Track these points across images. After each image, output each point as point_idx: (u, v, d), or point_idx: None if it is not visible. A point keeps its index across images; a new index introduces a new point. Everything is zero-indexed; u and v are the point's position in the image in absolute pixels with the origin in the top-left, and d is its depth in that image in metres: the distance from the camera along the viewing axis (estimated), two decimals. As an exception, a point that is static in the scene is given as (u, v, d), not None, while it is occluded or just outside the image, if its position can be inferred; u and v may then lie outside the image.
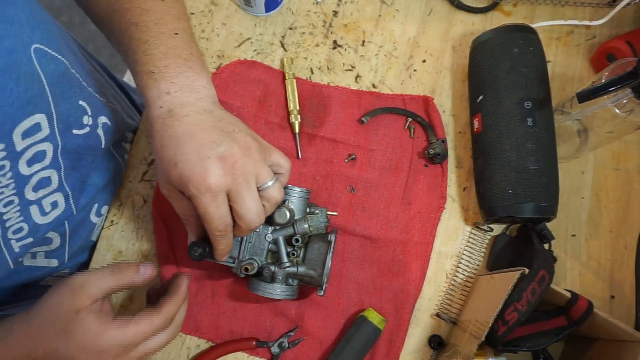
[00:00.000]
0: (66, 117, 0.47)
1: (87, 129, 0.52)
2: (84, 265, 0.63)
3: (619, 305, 0.60)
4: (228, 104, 0.65)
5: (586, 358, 0.56)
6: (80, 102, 0.50)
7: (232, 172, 0.43)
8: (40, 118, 0.43)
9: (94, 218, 0.61)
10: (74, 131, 0.50)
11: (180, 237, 0.61)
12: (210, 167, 0.43)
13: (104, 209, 0.62)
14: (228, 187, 0.44)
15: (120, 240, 0.62)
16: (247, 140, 0.46)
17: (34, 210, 0.47)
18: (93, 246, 0.63)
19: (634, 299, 0.57)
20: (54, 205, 0.50)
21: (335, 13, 0.69)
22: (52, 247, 0.55)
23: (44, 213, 0.49)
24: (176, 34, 0.48)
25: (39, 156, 0.45)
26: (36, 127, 0.43)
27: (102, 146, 0.56)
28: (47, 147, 0.45)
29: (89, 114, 0.52)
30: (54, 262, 0.57)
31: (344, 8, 0.70)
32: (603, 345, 0.54)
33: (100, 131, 0.55)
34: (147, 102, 0.46)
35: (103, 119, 0.57)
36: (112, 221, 0.63)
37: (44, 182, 0.47)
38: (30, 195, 0.46)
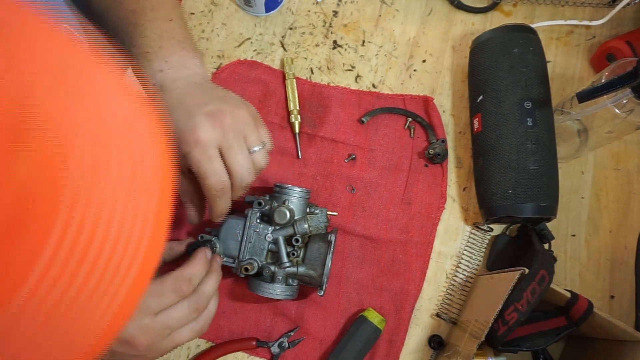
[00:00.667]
0: None
1: None
2: None
3: (619, 305, 0.60)
4: (228, 104, 0.65)
5: (586, 358, 0.56)
6: None
7: (221, 126, 0.44)
8: None
9: None
10: None
11: (180, 237, 0.61)
12: (199, 122, 0.43)
13: None
14: (219, 141, 0.44)
15: (120, 240, 0.62)
16: (239, 104, 0.47)
17: None
18: None
19: (634, 299, 0.57)
20: None
21: (335, 13, 0.69)
22: None
23: None
24: (171, 19, 0.50)
25: None
26: None
27: None
28: None
29: None
30: None
31: (344, 8, 0.70)
32: (603, 345, 0.54)
33: None
34: (143, 84, 0.47)
35: None
36: (112, 221, 0.63)
37: None
38: None
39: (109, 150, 0.19)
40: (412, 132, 0.64)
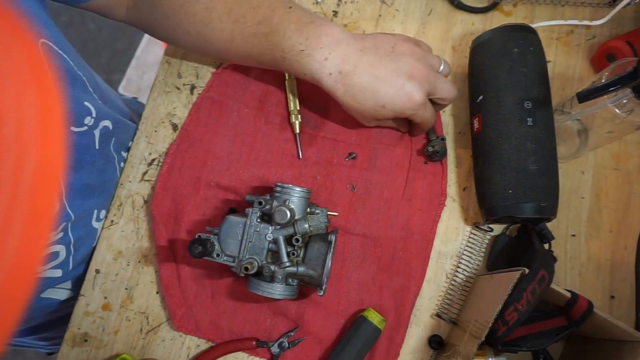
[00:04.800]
0: (70, 114, 0.47)
1: (85, 128, 0.52)
2: (84, 274, 0.63)
3: (619, 305, 0.60)
4: (228, 104, 0.65)
5: (586, 358, 0.56)
6: (86, 104, 0.51)
7: (422, 78, 0.51)
8: None
9: (94, 224, 0.60)
10: (72, 127, 0.50)
11: (180, 237, 0.61)
12: (410, 90, 0.50)
13: (102, 214, 0.62)
14: (427, 90, 0.52)
15: (120, 240, 0.62)
16: (408, 46, 0.53)
17: None
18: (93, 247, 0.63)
19: (634, 299, 0.57)
20: None
21: (335, 13, 0.69)
22: (58, 261, 0.55)
23: None
24: (290, 7, 0.51)
25: None
26: None
27: (96, 147, 0.56)
28: None
29: (93, 115, 0.52)
30: (58, 272, 0.56)
31: (344, 8, 0.70)
32: (603, 345, 0.54)
33: (97, 132, 0.55)
34: (315, 78, 0.50)
35: (105, 123, 0.57)
36: (112, 221, 0.63)
37: None
38: None
39: None
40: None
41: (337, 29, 0.51)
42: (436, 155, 0.62)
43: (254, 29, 0.51)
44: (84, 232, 0.57)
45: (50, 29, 0.43)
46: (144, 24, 0.58)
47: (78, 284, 0.62)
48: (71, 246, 0.56)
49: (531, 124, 0.55)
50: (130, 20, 0.58)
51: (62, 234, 0.52)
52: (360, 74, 0.50)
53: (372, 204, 0.62)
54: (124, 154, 0.66)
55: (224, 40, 0.53)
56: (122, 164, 0.65)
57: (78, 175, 0.53)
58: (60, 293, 0.62)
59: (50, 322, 0.72)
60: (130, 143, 0.67)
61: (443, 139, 0.63)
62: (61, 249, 0.54)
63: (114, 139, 0.62)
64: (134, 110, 0.81)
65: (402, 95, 0.50)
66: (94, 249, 0.62)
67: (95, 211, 0.60)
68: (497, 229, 0.62)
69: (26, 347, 0.83)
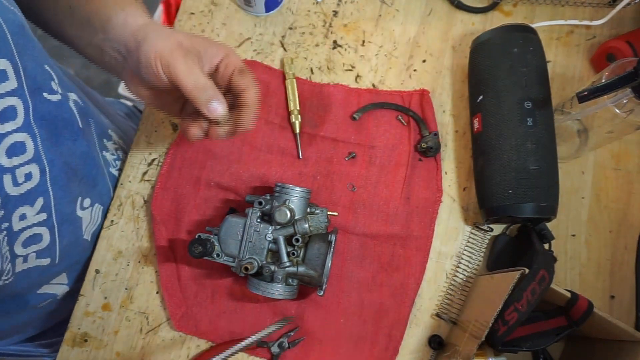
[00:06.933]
0: (33, 74, 0.46)
1: (58, 96, 0.51)
2: (78, 266, 0.62)
3: (619, 305, 0.60)
4: (228, 104, 0.65)
5: (586, 358, 0.56)
6: (46, 67, 0.50)
7: None
8: (4, 64, 0.42)
9: (79, 212, 0.59)
10: (45, 94, 0.49)
11: (180, 237, 0.61)
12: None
13: (87, 202, 0.60)
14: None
15: (120, 240, 0.62)
16: None
17: (7, 179, 0.45)
18: (92, 248, 0.62)
19: (634, 299, 0.57)
20: (28, 177, 0.48)
21: (335, 13, 0.69)
22: (43, 245, 0.54)
23: (16, 183, 0.47)
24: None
25: (9, 113, 0.44)
26: (2, 75, 0.42)
27: (79, 124, 0.55)
28: (17, 102, 0.44)
29: (56, 82, 0.51)
30: (46, 261, 0.56)
31: (344, 8, 0.70)
32: (603, 345, 0.54)
33: (72, 105, 0.54)
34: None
35: (73, 96, 0.56)
36: (112, 221, 0.63)
37: (18, 148, 0.46)
38: (3, 160, 0.44)
39: None
40: (410, 128, 0.64)
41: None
42: (430, 151, 0.62)
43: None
44: (68, 219, 0.57)
45: None
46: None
47: (74, 278, 0.62)
48: (55, 232, 0.55)
49: (531, 124, 0.55)
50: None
51: (44, 215, 0.51)
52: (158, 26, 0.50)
53: (372, 204, 0.62)
54: (106, 143, 0.66)
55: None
56: (103, 152, 0.64)
57: (58, 151, 0.52)
58: (57, 288, 0.61)
59: (51, 328, 0.71)
60: (113, 135, 0.67)
61: (436, 134, 0.63)
62: (44, 231, 0.53)
63: (92, 120, 0.61)
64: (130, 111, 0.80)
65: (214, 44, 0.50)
66: (86, 243, 0.62)
67: (80, 198, 0.58)
68: (497, 229, 0.62)
69: (27, 356, 0.82)
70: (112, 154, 0.67)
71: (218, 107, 0.46)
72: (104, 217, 0.63)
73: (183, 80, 0.44)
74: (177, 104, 0.53)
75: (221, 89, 0.47)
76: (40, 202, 0.51)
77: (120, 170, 0.66)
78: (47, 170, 0.50)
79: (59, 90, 0.52)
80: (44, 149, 0.49)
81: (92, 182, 0.61)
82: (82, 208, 0.59)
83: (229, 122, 0.49)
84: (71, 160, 0.55)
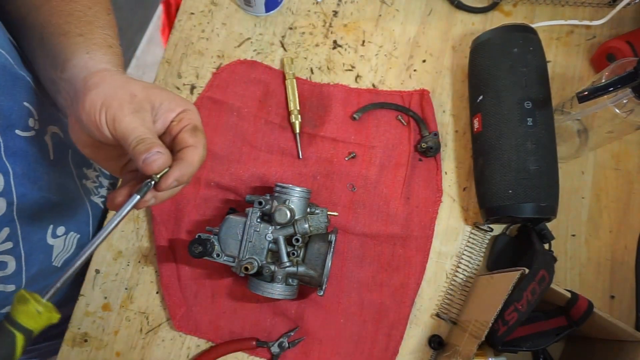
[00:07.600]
0: (8, 113, 0.46)
1: (32, 132, 0.50)
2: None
3: (619, 305, 0.60)
4: (228, 104, 0.65)
5: (586, 358, 0.56)
6: (25, 104, 0.49)
7: None
8: None
9: (50, 240, 0.57)
10: (17, 131, 0.47)
11: (180, 237, 0.61)
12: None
13: (60, 230, 0.59)
14: None
15: (120, 240, 0.62)
16: None
17: None
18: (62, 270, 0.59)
19: (634, 299, 0.57)
20: None
21: (335, 13, 0.69)
22: (8, 272, 0.52)
23: None
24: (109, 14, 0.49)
25: None
26: None
27: (51, 157, 0.53)
28: None
29: (35, 117, 0.50)
30: (11, 287, 0.54)
31: (344, 8, 0.70)
32: (603, 345, 0.54)
33: (48, 139, 0.53)
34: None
35: (53, 129, 0.55)
36: (112, 221, 0.63)
37: None
38: None
39: None
40: (410, 128, 0.64)
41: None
42: (430, 151, 0.62)
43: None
44: (37, 247, 0.55)
45: None
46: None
47: None
48: (22, 260, 0.53)
49: (531, 124, 0.55)
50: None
51: (10, 243, 0.50)
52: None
53: (372, 204, 0.62)
54: (86, 171, 0.64)
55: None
56: (83, 180, 0.62)
57: (32, 184, 0.51)
58: None
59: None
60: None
61: (436, 134, 0.63)
62: (10, 259, 0.51)
63: (70, 150, 0.59)
64: None
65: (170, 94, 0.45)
66: (56, 269, 0.60)
67: (51, 226, 0.57)
68: (497, 229, 0.62)
69: None
70: (94, 182, 0.66)
71: (158, 159, 0.38)
72: (79, 246, 0.62)
73: (128, 138, 0.38)
74: (119, 161, 0.46)
75: (165, 144, 0.41)
76: (6, 231, 0.50)
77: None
78: (15, 202, 0.49)
79: (35, 127, 0.51)
80: (16, 184, 0.48)
81: (68, 211, 0.59)
82: (55, 236, 0.58)
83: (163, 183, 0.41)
84: (45, 191, 0.54)
